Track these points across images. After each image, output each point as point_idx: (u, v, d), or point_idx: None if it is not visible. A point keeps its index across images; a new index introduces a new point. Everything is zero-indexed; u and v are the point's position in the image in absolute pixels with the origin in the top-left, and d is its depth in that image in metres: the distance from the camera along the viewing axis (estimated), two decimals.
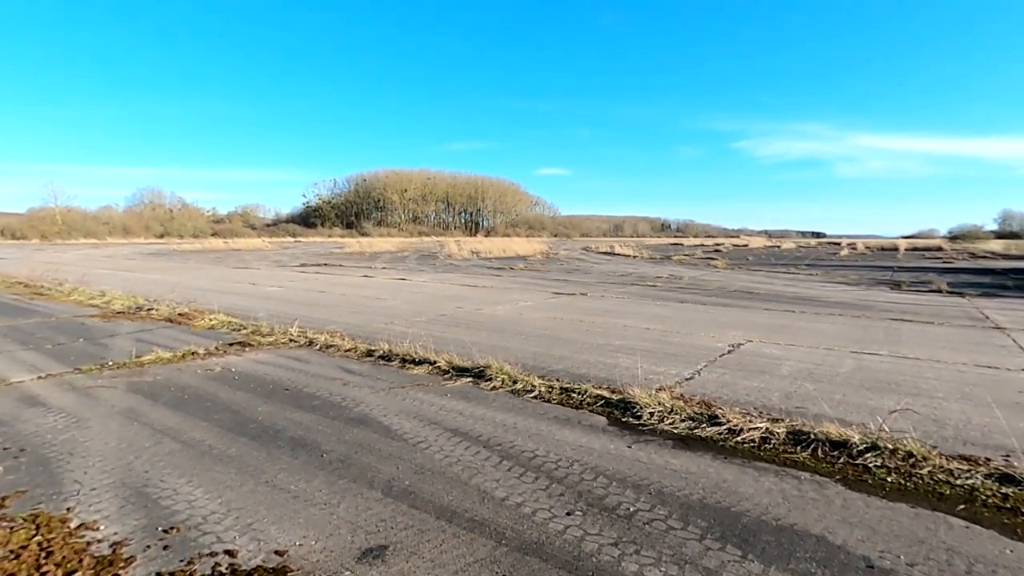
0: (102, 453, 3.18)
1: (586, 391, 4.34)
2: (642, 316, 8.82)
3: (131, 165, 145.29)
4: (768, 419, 3.67)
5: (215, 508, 2.55)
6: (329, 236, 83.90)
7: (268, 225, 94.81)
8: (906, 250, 44.19)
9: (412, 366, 5.23)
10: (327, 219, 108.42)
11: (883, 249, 46.67)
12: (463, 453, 3.23)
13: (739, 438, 3.43)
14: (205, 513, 2.51)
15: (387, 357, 5.54)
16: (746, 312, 9.42)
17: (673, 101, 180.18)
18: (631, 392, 4.12)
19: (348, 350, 5.88)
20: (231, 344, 6.24)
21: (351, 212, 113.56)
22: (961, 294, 13.20)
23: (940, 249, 45.63)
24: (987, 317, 9.13)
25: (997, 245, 47.19)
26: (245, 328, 7.03)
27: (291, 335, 6.54)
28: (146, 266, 20.21)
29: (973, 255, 36.11)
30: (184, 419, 3.80)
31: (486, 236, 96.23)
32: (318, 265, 21.63)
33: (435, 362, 5.18)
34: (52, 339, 6.47)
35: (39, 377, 4.83)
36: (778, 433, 3.43)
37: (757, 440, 3.41)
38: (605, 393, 4.30)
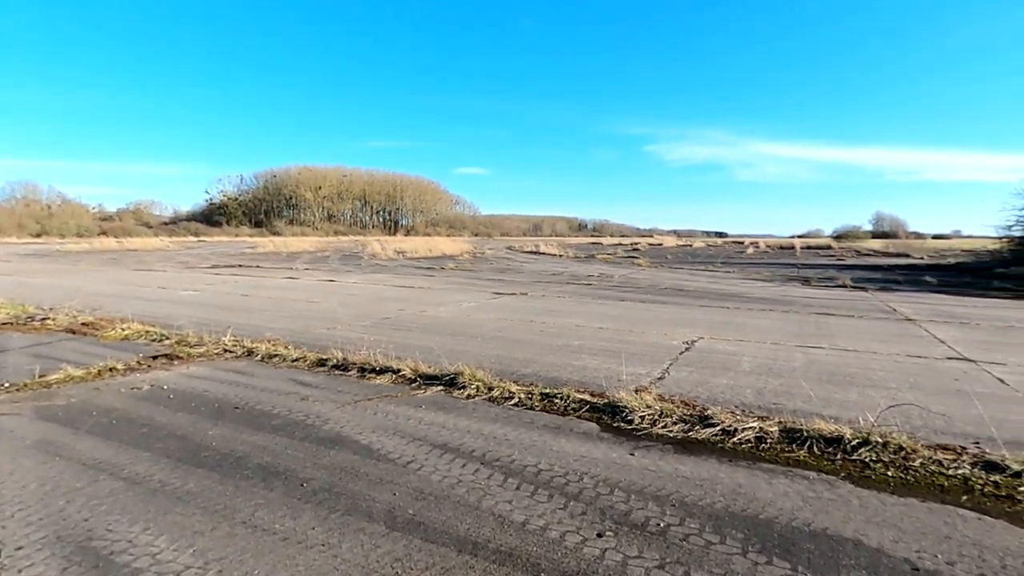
0: (21, 500, 2.60)
1: (569, 396, 4.18)
2: (589, 315, 8.83)
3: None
4: (756, 418, 3.68)
5: (188, 561, 2.12)
6: (237, 235, 78.83)
7: (166, 223, 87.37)
8: (802, 248, 48.12)
9: (373, 375, 4.84)
10: (233, 217, 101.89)
11: (782, 247, 50.55)
12: (462, 472, 2.96)
13: (735, 439, 3.40)
14: (178, 569, 2.07)
15: (342, 366, 5.10)
16: (685, 309, 9.71)
17: (589, 105, 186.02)
18: (617, 396, 4.01)
19: (296, 360, 5.36)
20: (154, 357, 5.50)
21: (260, 210, 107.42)
22: (864, 288, 14.44)
23: (830, 247, 50.09)
24: (895, 310, 9.98)
25: (877, 244, 52.54)
26: (167, 338, 6.25)
27: (225, 344, 5.88)
28: (28, 268, 17.82)
29: (859, 252, 39.97)
30: (119, 450, 3.22)
31: (406, 235, 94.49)
32: (232, 266, 20.08)
33: (399, 370, 4.81)
34: None
35: None
36: (772, 432, 3.44)
37: (753, 440, 3.39)
38: (587, 397, 4.16)
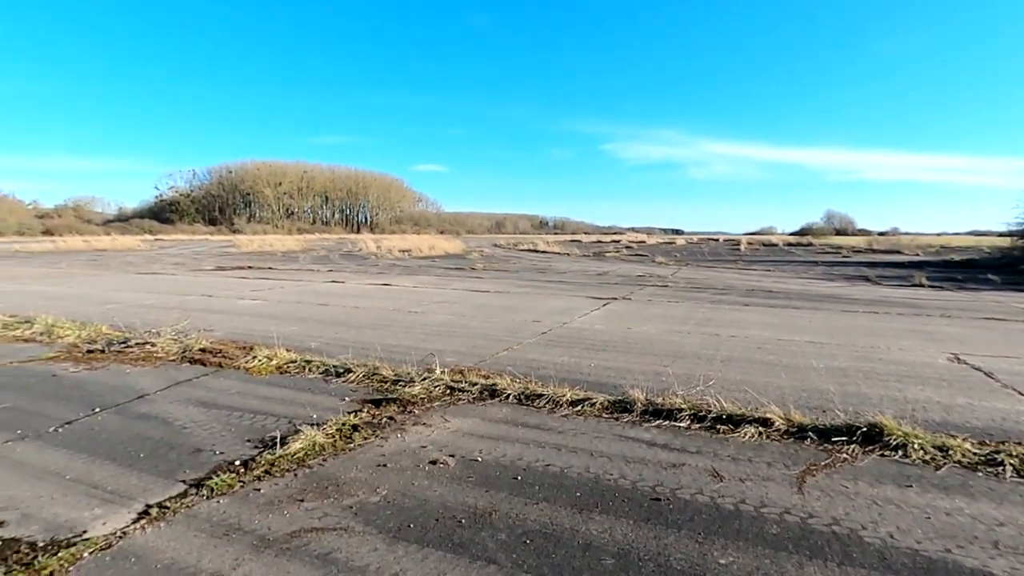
0: None
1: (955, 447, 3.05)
2: (756, 324, 7.74)
3: None
4: None
5: None
6: (195, 233, 74.35)
7: (111, 221, 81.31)
8: (785, 244, 48.73)
9: (723, 426, 3.56)
10: (186, 214, 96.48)
11: (765, 245, 51.15)
12: None
13: None
14: None
15: (657, 412, 3.79)
16: (834, 315, 8.76)
17: (544, 104, 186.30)
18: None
19: (579, 402, 4.00)
20: (375, 402, 4.03)
21: (215, 207, 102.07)
22: (941, 287, 13.99)
23: (810, 244, 51.00)
24: None
25: (856, 241, 53.88)
26: (347, 371, 4.74)
27: (444, 380, 4.45)
28: (11, 274, 15.27)
29: (842, 250, 40.58)
30: None
31: (370, 232, 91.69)
32: (242, 268, 18.01)
33: (766, 420, 3.55)
34: (33, 412, 3.76)
35: (136, 520, 2.45)
36: None
37: None
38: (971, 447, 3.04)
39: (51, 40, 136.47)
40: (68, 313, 7.56)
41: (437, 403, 4.06)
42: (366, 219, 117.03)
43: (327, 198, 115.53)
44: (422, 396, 4.17)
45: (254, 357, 5.11)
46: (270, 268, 18.15)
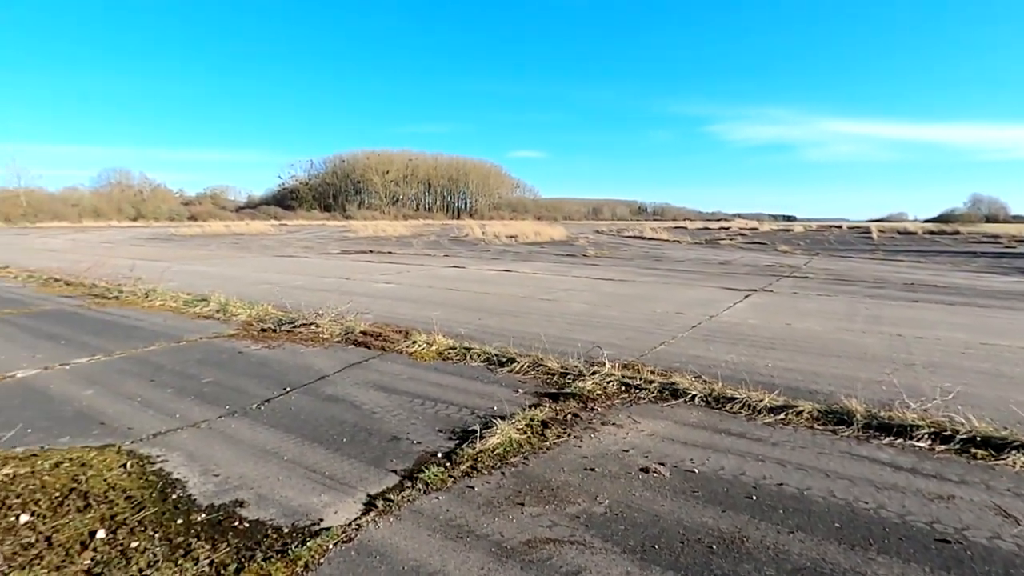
0: None
1: None
2: (941, 325, 6.72)
3: (92, 144, 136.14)
4: None
5: None
6: (311, 219, 79.93)
7: (241, 208, 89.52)
8: (925, 232, 43.47)
9: (1009, 452, 2.98)
10: (304, 201, 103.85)
11: (901, 233, 45.96)
12: None
13: None
14: None
15: (893, 428, 3.26)
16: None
17: (643, 85, 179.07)
18: None
19: (783, 411, 3.56)
20: (552, 396, 3.85)
21: (328, 194, 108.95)
22: None
23: (956, 233, 45.14)
24: None
25: (1017, 228, 47.00)
26: (514, 362, 4.60)
27: (617, 376, 4.17)
28: (171, 255, 17.11)
29: (995, 238, 35.32)
30: None
31: (470, 218, 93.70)
32: (364, 252, 18.90)
33: None
34: (232, 387, 3.95)
35: (365, 512, 2.40)
36: None
37: None
38: None
39: (191, 44, 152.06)
40: (230, 292, 8.17)
41: (617, 400, 3.79)
42: (466, 205, 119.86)
43: (430, 185, 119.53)
44: (597, 392, 3.92)
45: (413, 342, 5.13)
46: (389, 252, 18.89)
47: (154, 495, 2.45)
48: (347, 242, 25.37)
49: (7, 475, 2.58)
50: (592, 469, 2.76)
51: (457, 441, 3.07)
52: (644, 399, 3.84)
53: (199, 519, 2.27)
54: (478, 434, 3.05)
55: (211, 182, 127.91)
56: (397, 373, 4.38)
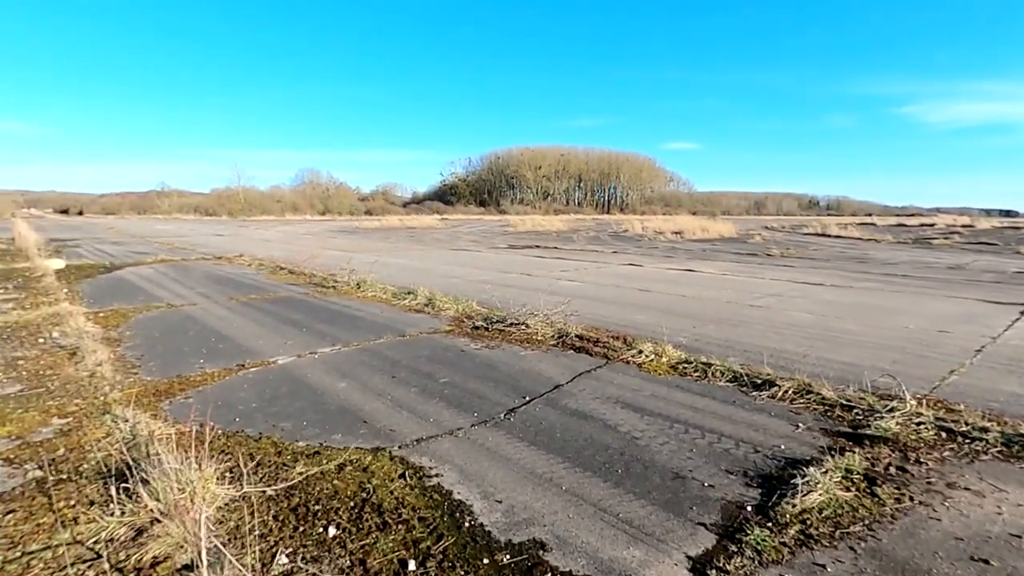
0: None
1: None
2: None
3: (289, 149, 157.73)
4: None
5: None
6: (468, 213, 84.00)
7: (407, 203, 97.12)
8: None
9: None
10: (462, 196, 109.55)
11: None
12: None
13: None
14: None
15: None
16: None
17: (821, 63, 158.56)
18: None
19: None
20: (854, 438, 3.11)
21: (484, 189, 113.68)
22: None
23: None
24: None
25: None
26: (774, 385, 3.91)
27: (934, 419, 3.28)
28: (364, 246, 18.75)
29: None
30: None
31: (620, 212, 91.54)
32: (530, 247, 19.01)
33: None
34: (470, 391, 3.79)
35: None
36: None
37: None
38: None
39: (364, 52, 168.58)
40: (426, 285, 8.42)
41: (946, 452, 2.94)
42: (616, 199, 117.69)
43: (580, 180, 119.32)
44: (911, 438, 3.09)
45: (639, 351, 4.65)
46: (555, 248, 18.77)
47: (446, 519, 2.25)
48: (510, 236, 25.89)
49: (300, 474, 2.56)
50: (985, 561, 2.02)
51: (760, 490, 2.51)
52: (986, 454, 2.93)
53: (504, 560, 1.99)
54: (797, 487, 2.45)
55: (381, 180, 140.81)
56: (636, 388, 3.93)
